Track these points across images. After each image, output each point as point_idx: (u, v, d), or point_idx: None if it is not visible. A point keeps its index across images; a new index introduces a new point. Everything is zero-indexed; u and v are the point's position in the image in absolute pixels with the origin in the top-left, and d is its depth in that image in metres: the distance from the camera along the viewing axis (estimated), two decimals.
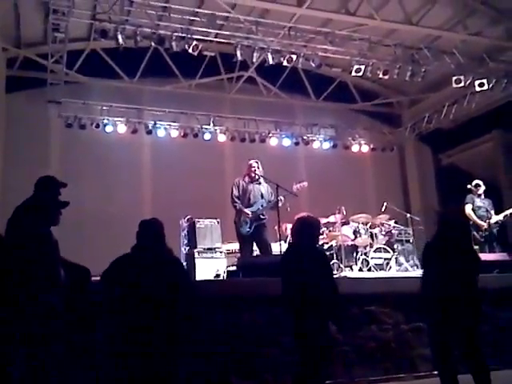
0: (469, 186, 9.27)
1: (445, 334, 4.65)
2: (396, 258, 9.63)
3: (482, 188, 9.25)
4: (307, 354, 4.52)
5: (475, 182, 9.34)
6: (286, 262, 4.82)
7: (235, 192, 8.02)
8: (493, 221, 9.01)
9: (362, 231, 9.88)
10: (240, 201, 7.95)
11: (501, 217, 9.06)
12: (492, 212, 9.12)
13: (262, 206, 7.89)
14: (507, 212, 9.09)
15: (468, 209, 9.02)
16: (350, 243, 9.74)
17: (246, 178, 8.08)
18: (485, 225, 8.91)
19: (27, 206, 4.25)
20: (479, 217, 8.97)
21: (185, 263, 9.76)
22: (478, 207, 9.08)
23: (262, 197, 7.96)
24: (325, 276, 4.64)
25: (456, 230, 4.87)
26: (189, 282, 4.49)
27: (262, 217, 7.91)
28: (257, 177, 8.02)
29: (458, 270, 4.60)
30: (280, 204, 7.70)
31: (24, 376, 3.86)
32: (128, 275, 4.16)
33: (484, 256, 8.60)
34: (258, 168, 8.08)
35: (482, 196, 9.23)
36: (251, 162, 8.16)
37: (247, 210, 7.81)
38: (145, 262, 4.22)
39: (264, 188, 8.05)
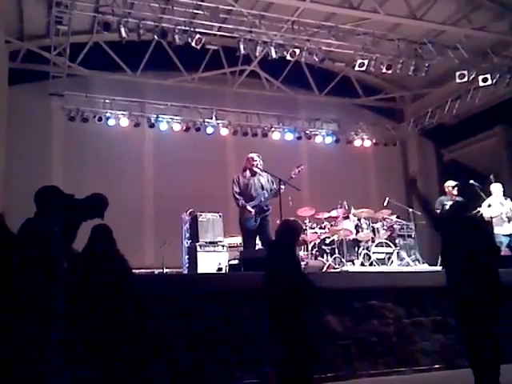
0: (446, 185, 9.14)
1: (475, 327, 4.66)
2: (398, 253, 9.62)
3: (456, 188, 9.03)
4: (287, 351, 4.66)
5: (448, 182, 9.17)
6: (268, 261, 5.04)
7: (236, 189, 7.97)
8: None
9: (364, 226, 9.88)
10: (242, 196, 7.92)
11: None
12: None
13: (264, 197, 7.87)
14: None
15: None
16: (351, 238, 9.74)
17: (247, 172, 8.02)
18: None
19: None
20: None
21: (187, 257, 9.81)
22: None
23: (263, 188, 7.93)
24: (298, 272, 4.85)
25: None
26: (128, 278, 4.78)
27: (265, 208, 7.88)
28: (258, 170, 7.98)
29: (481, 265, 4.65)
30: (282, 190, 7.67)
31: (25, 373, 3.87)
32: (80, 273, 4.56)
33: None
34: (260, 162, 8.01)
35: (454, 196, 8.97)
36: (253, 155, 8.05)
37: (250, 208, 7.77)
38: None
39: (264, 178, 7.98)
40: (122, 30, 9.50)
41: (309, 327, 4.79)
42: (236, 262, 8.13)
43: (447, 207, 8.72)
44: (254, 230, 7.83)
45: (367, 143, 14.16)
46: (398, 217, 10.26)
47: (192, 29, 9.96)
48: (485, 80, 11.22)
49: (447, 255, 5.01)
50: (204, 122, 12.76)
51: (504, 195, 9.20)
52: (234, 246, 9.55)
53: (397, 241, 9.88)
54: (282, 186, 7.66)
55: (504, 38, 10.96)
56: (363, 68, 11.24)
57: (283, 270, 4.79)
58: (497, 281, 4.74)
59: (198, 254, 9.21)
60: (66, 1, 9.07)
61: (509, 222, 8.88)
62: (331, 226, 9.86)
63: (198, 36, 9.93)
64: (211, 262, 9.01)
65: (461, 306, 4.77)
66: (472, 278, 4.62)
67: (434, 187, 14.66)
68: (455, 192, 9.06)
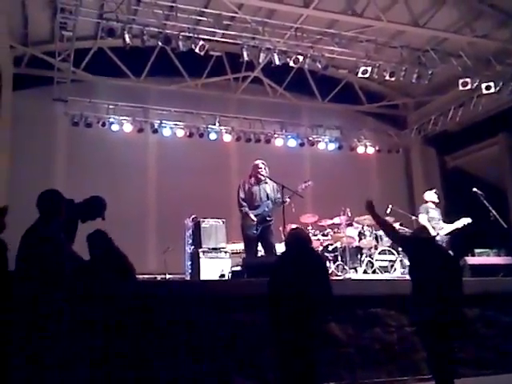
0: (426, 195, 9.20)
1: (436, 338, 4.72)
2: (401, 260, 9.61)
3: (437, 201, 9.17)
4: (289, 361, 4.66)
5: (433, 191, 9.25)
6: (279, 269, 5.02)
7: (242, 195, 7.97)
8: (444, 232, 8.89)
9: (367, 233, 9.87)
10: (246, 203, 7.92)
11: (450, 229, 8.93)
12: (441, 222, 9.02)
13: (267, 207, 7.87)
14: (456, 226, 8.90)
15: (423, 219, 8.93)
16: (354, 245, 9.73)
17: (252, 180, 8.03)
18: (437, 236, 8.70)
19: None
20: (432, 228, 8.73)
21: (189, 263, 9.80)
22: (431, 218, 8.95)
23: (268, 197, 7.93)
24: (319, 281, 4.80)
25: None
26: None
27: (268, 218, 7.89)
28: (263, 178, 7.98)
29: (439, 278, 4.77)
30: (286, 203, 7.69)
31: (25, 375, 3.87)
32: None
33: (489, 260, 8.59)
34: (265, 169, 8.04)
35: (434, 205, 9.11)
36: (258, 162, 8.09)
37: (252, 216, 7.77)
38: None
39: (269, 187, 8.00)
40: (126, 36, 9.54)
41: (319, 332, 4.79)
42: (239, 268, 8.13)
43: (431, 214, 8.86)
44: (255, 237, 7.83)
45: (370, 150, 14.15)
46: (401, 224, 10.22)
47: (196, 35, 10.00)
48: (488, 88, 11.21)
49: (412, 274, 5.16)
50: (207, 127, 12.76)
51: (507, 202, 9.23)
52: (236, 253, 9.54)
53: (400, 248, 9.86)
54: (287, 199, 7.68)
55: (507, 46, 10.95)
56: (366, 75, 11.25)
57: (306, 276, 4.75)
58: (458, 302, 4.83)
59: (200, 260, 9.19)
60: (70, 7, 9.10)
61: None
62: (334, 232, 9.86)
63: (201, 42, 9.96)
64: (214, 268, 9.00)
65: (420, 323, 4.89)
66: (434, 298, 4.70)
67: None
68: (436, 200, 9.12)
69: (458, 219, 9.00)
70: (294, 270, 4.78)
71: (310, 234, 9.58)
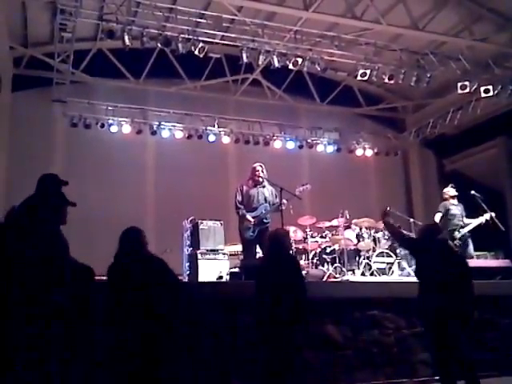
0: (444, 192, 9.17)
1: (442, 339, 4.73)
2: (398, 263, 9.62)
3: (455, 193, 9.12)
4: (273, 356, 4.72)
5: (450, 188, 9.21)
6: (261, 268, 5.14)
7: (238, 198, 8.02)
8: (468, 229, 8.86)
9: (365, 235, 9.88)
10: (243, 206, 7.94)
11: (474, 225, 8.86)
12: (465, 218, 8.96)
13: (265, 209, 7.89)
14: (479, 221, 8.84)
15: (437, 218, 8.93)
16: (352, 247, 9.74)
17: (250, 182, 8.06)
18: (457, 234, 8.76)
19: (35, 205, 4.22)
20: (455, 225, 8.81)
21: (187, 264, 9.79)
22: (453, 215, 8.92)
23: (266, 200, 7.95)
24: (295, 280, 4.86)
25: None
26: (174, 281, 4.70)
27: (265, 221, 7.90)
28: (261, 180, 8.01)
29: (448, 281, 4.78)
30: (284, 207, 7.70)
31: (25, 376, 3.86)
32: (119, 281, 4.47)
33: (487, 262, 8.61)
34: (263, 171, 8.06)
35: (456, 201, 9.09)
36: (255, 165, 8.13)
37: (250, 217, 7.79)
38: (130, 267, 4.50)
39: (268, 191, 8.04)
40: (126, 37, 9.55)
41: (295, 342, 4.79)
42: (237, 270, 8.13)
43: (452, 212, 8.84)
44: (252, 239, 7.85)
45: (368, 152, 14.17)
46: (399, 227, 10.23)
47: (195, 37, 10.00)
48: (486, 91, 11.23)
49: (421, 278, 5.15)
50: (206, 129, 12.77)
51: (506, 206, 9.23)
52: (234, 254, 9.54)
53: (398, 251, 9.87)
54: (285, 201, 7.69)
55: (505, 50, 10.98)
56: (365, 78, 11.28)
57: (276, 281, 4.80)
58: (470, 301, 4.84)
59: (198, 261, 9.17)
60: (70, 8, 9.11)
61: None
62: (332, 235, 9.87)
63: (201, 44, 9.97)
64: (212, 269, 8.99)
65: (428, 324, 4.92)
66: (443, 300, 4.72)
67: (434, 198, 14.64)
68: (455, 193, 9.12)
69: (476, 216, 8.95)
70: (269, 272, 4.87)
71: (308, 236, 9.62)
